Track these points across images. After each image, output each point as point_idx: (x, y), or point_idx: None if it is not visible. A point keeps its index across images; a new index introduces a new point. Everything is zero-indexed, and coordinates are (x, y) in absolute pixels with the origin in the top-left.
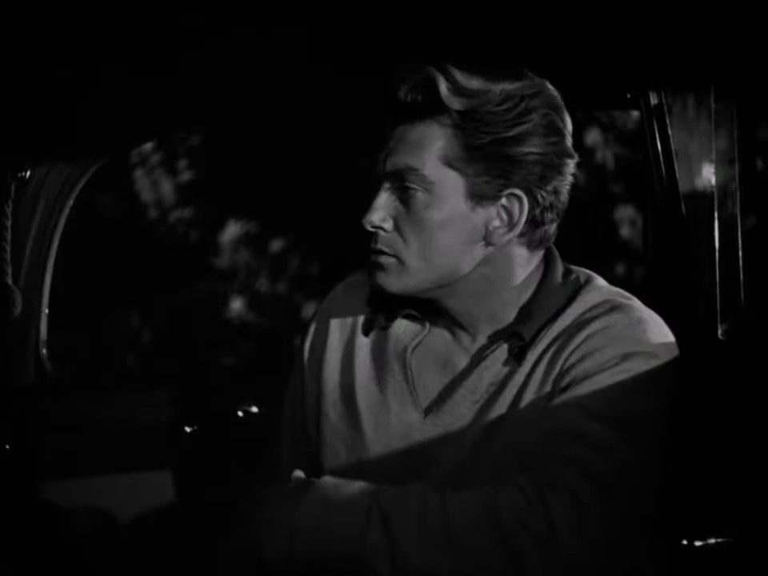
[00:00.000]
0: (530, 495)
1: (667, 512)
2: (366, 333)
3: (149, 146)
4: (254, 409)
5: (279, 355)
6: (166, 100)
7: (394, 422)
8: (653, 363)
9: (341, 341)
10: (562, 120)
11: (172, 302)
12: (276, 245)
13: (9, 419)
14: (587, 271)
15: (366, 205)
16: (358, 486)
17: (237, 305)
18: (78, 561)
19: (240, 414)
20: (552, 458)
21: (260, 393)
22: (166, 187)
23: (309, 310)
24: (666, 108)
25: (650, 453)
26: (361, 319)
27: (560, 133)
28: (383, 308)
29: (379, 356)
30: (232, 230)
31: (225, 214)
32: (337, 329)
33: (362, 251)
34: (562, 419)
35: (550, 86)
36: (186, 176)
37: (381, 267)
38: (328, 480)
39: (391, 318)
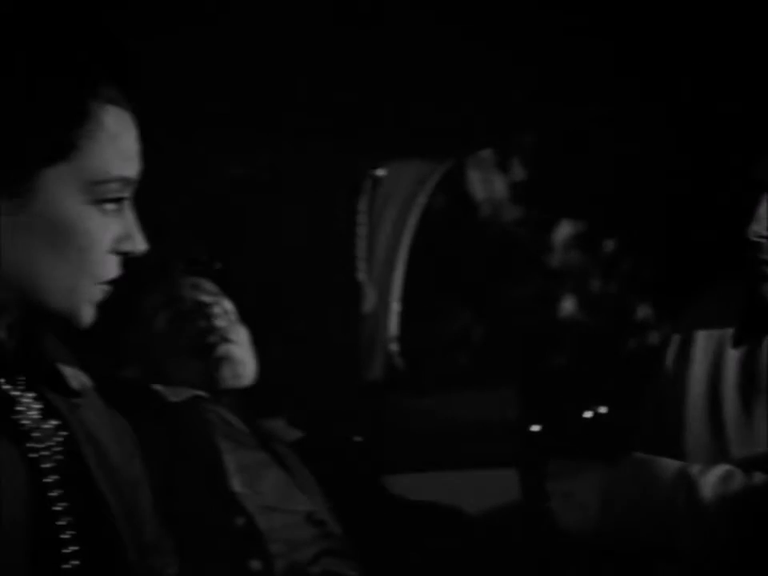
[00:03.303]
0: None
1: None
2: (735, 345)
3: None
4: (603, 410)
5: (613, 356)
6: (516, 102)
7: (760, 439)
8: None
9: (706, 352)
10: None
11: (504, 300)
12: (608, 245)
13: (361, 414)
14: None
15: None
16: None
17: (568, 304)
18: (426, 557)
19: (588, 414)
20: None
21: (608, 394)
22: (499, 186)
23: (642, 311)
24: None
25: None
26: (729, 331)
27: None
28: (757, 319)
29: (749, 370)
30: (564, 230)
31: (557, 214)
32: (703, 340)
33: (696, 255)
34: None
35: None
36: (518, 175)
37: None
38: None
39: (765, 331)
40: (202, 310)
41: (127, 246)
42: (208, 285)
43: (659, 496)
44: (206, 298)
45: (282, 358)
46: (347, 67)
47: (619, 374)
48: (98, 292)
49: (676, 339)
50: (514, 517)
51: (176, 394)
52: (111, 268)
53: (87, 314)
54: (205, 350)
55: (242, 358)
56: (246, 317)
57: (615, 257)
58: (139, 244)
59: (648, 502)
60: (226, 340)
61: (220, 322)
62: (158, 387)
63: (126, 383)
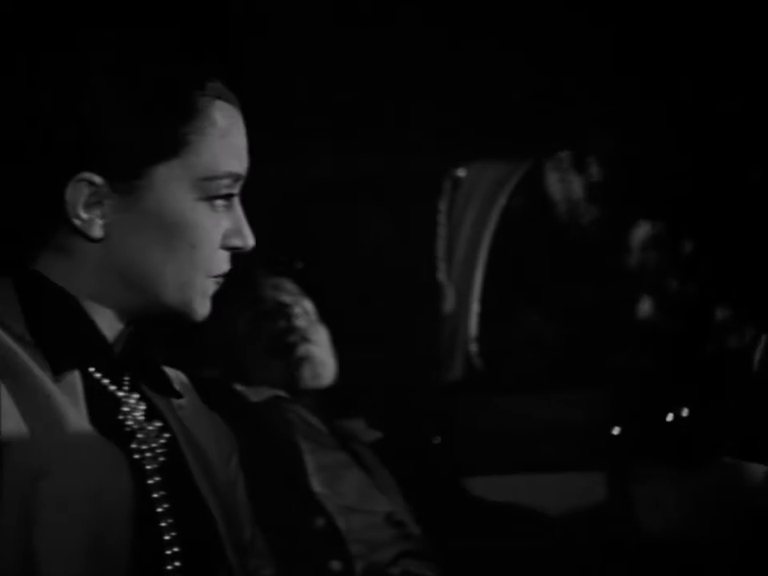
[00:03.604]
0: None
1: None
2: None
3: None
4: (685, 412)
5: (693, 358)
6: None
7: None
8: None
9: None
10: None
11: (581, 301)
12: (687, 246)
13: (440, 414)
14: None
15: None
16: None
17: (646, 306)
18: (505, 558)
19: (670, 417)
20: None
21: (689, 396)
22: (577, 186)
23: (721, 313)
24: None
25: None
26: None
27: None
28: None
29: None
30: (642, 231)
31: (635, 214)
32: None
33: None
34: None
35: None
36: (595, 175)
37: None
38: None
39: None
40: (283, 310)
41: (237, 242)
42: (289, 285)
43: (748, 501)
44: (286, 298)
45: (362, 359)
46: (428, 70)
47: (699, 375)
48: (210, 285)
49: (765, 339)
50: (591, 520)
51: (256, 394)
52: (222, 263)
53: (202, 308)
54: (285, 350)
55: (321, 358)
56: (326, 317)
57: (694, 257)
58: (248, 239)
59: (735, 507)
60: (306, 340)
61: (300, 322)
62: (238, 387)
63: (208, 383)
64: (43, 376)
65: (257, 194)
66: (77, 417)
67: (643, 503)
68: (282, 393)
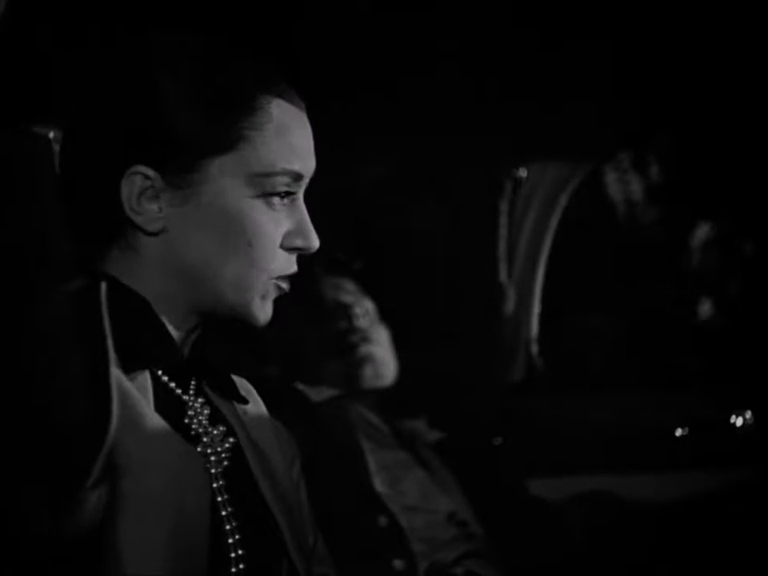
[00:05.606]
0: None
1: None
2: None
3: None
4: (748, 414)
5: (754, 360)
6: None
7: None
8: None
9: None
10: None
11: (641, 302)
12: (747, 247)
13: (500, 414)
14: None
15: None
16: None
17: (705, 307)
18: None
19: (734, 419)
20: None
21: (751, 398)
22: (636, 186)
23: None
24: None
25: None
26: None
27: None
28: None
29: None
30: (702, 231)
31: (695, 214)
32: None
33: None
34: None
35: None
36: (655, 175)
37: None
38: None
39: None
40: (344, 311)
41: (299, 242)
42: (349, 285)
43: None
44: (347, 298)
45: (423, 359)
46: (491, 70)
47: (759, 377)
48: (271, 288)
49: None
50: (652, 521)
51: (317, 394)
52: (284, 264)
53: (261, 311)
54: (346, 350)
55: (382, 358)
56: (387, 317)
57: (754, 258)
58: (312, 240)
59: None
60: (367, 340)
61: (361, 323)
62: (299, 386)
63: (269, 382)
64: (121, 374)
65: (318, 193)
66: (154, 416)
67: None
68: (342, 392)
